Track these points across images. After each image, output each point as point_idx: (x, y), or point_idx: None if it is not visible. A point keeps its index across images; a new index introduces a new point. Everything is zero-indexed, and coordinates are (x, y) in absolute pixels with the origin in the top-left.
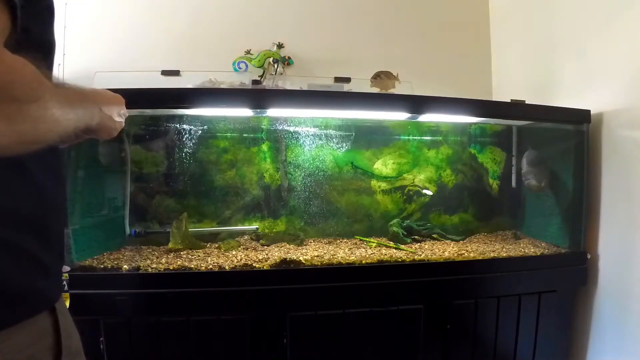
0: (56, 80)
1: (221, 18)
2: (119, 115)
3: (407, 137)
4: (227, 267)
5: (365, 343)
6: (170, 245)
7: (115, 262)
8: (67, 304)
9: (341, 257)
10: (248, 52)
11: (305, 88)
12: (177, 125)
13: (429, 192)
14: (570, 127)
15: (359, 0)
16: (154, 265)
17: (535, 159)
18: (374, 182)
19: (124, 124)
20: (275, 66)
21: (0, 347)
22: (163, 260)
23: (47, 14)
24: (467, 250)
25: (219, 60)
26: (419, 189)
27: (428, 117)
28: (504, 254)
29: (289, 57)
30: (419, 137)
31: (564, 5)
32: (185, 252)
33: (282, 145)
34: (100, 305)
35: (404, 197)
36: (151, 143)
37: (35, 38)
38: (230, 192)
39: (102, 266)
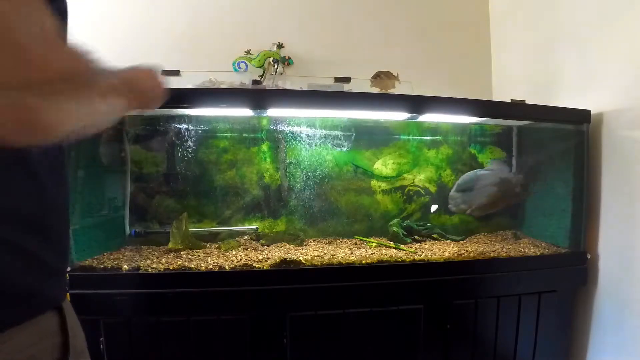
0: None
1: (221, 18)
2: (152, 78)
3: (407, 137)
4: (227, 267)
5: (365, 343)
6: (170, 245)
7: (115, 262)
8: None
9: (341, 257)
10: (248, 52)
11: (305, 88)
12: (177, 125)
13: (435, 207)
14: (570, 127)
15: (359, 1)
16: (154, 265)
17: (464, 185)
18: (374, 182)
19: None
20: (275, 66)
21: (0, 347)
22: (163, 260)
23: None
24: (467, 250)
25: (219, 60)
26: (421, 191)
27: (428, 117)
28: (504, 254)
29: (289, 57)
30: (419, 137)
31: (564, 5)
32: (185, 252)
33: (282, 145)
34: (100, 305)
35: (404, 197)
36: (151, 143)
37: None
38: (230, 192)
39: (102, 266)
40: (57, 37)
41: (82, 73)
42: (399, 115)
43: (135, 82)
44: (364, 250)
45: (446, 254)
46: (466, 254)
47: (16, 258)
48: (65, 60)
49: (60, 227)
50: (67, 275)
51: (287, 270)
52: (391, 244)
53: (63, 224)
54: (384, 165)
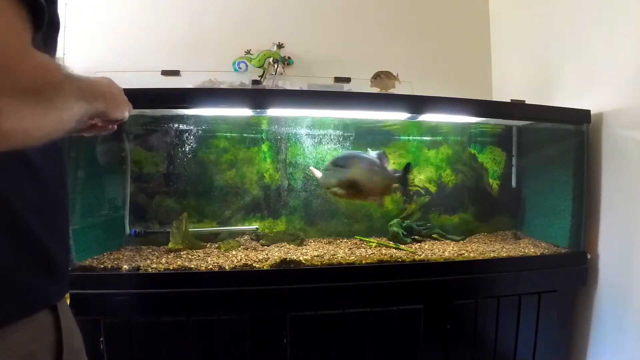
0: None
1: (221, 18)
2: (120, 92)
3: (407, 137)
4: (227, 267)
5: (365, 343)
6: (170, 245)
7: (115, 262)
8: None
9: (341, 257)
10: (248, 52)
11: (305, 88)
12: (177, 125)
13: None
14: (570, 127)
15: (359, 0)
16: (154, 265)
17: (341, 162)
18: None
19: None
20: (275, 66)
21: (3, 344)
22: (163, 260)
23: None
24: (467, 250)
25: (219, 60)
26: (421, 191)
27: (428, 117)
28: (504, 254)
29: (289, 57)
30: (419, 137)
31: (563, 5)
32: (185, 252)
33: (282, 145)
34: (100, 305)
35: (404, 197)
36: (151, 143)
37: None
38: (230, 192)
39: (102, 266)
40: (27, 44)
41: (51, 82)
42: (399, 115)
43: (99, 87)
44: (364, 250)
45: (446, 254)
46: (466, 254)
47: (20, 254)
48: (35, 68)
49: (64, 224)
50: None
51: (287, 270)
52: (391, 244)
53: (66, 221)
54: None
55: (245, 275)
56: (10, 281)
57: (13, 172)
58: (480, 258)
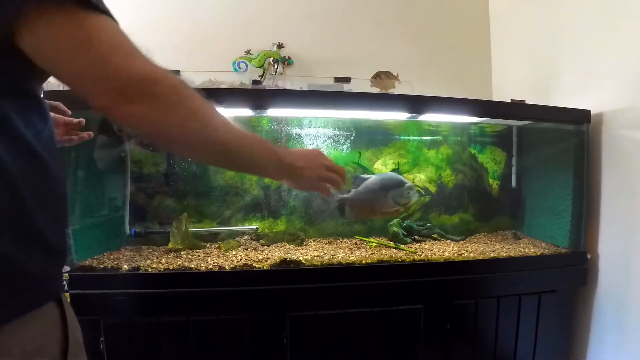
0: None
1: (221, 18)
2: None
3: (406, 137)
4: (227, 267)
5: (365, 343)
6: (170, 245)
7: (115, 262)
8: None
9: (341, 257)
10: (248, 52)
11: (305, 88)
12: None
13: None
14: (570, 127)
15: (359, 1)
16: (154, 265)
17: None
18: None
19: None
20: (275, 66)
21: (13, 338)
22: (163, 260)
23: None
24: (467, 250)
25: (219, 60)
26: (421, 191)
27: (428, 117)
28: (504, 254)
29: (289, 57)
30: (418, 137)
31: (564, 5)
32: (185, 252)
33: (281, 145)
34: (100, 305)
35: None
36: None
37: None
38: (230, 192)
39: (102, 266)
40: (136, 50)
41: (162, 78)
42: (399, 115)
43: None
44: (364, 250)
45: (446, 254)
46: (466, 254)
47: (31, 246)
48: (147, 66)
49: (64, 219)
50: (67, 275)
51: (287, 270)
52: (391, 244)
53: (66, 216)
54: (384, 165)
55: (245, 275)
56: (19, 273)
57: (31, 174)
58: (480, 258)
